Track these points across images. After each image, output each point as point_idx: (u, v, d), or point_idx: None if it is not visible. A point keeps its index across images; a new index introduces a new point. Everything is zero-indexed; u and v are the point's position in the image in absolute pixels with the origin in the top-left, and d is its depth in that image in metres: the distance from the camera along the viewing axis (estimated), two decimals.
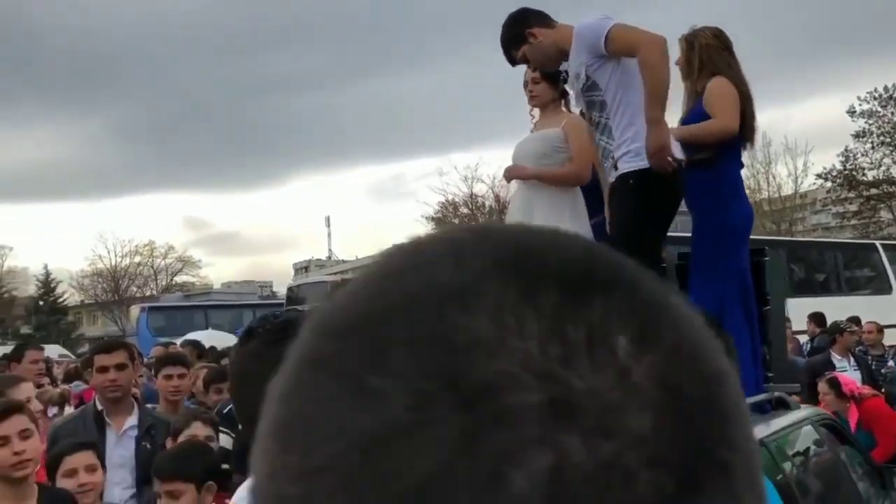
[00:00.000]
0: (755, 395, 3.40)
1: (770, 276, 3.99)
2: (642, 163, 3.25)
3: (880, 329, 8.23)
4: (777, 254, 4.26)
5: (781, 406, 3.62)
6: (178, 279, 45.79)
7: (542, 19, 3.50)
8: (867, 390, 5.76)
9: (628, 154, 3.30)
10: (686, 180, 3.43)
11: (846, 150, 33.31)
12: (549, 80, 3.88)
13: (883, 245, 17.09)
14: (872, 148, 33.21)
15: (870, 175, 33.67)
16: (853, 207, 35.56)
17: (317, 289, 18.75)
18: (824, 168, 33.33)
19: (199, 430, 3.20)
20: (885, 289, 15.83)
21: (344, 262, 53.70)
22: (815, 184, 35.05)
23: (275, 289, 48.42)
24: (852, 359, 7.08)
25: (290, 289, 20.45)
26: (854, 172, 33.47)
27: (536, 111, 4.03)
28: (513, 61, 3.57)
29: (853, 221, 34.98)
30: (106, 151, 65.61)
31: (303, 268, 56.73)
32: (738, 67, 3.84)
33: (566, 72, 3.87)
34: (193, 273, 46.80)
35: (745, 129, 3.78)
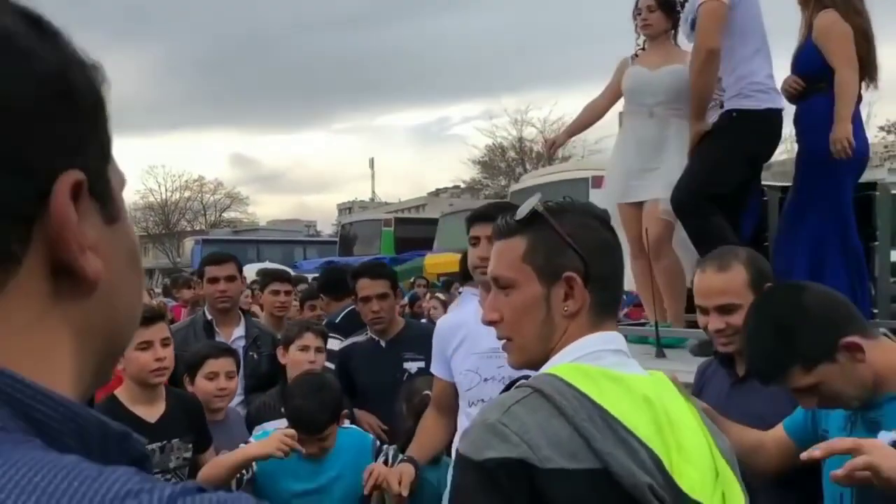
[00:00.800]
0: None
1: (879, 212, 3.89)
2: (750, 103, 3.32)
3: None
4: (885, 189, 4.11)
5: None
6: (226, 215, 46.42)
7: None
8: None
9: (738, 96, 3.39)
10: (801, 110, 3.47)
11: None
12: (665, 9, 3.78)
13: None
14: None
15: None
16: None
17: (369, 227, 18.83)
18: (888, 120, 32.23)
19: (310, 340, 3.26)
20: None
21: (387, 204, 53.80)
22: (876, 137, 33.94)
23: (318, 228, 48.89)
24: None
25: (343, 226, 20.59)
26: None
27: (642, 39, 3.91)
28: None
29: None
30: (159, 86, 66.22)
31: (347, 209, 57.10)
32: (856, 2, 3.64)
33: (682, 3, 3.78)
34: (241, 210, 47.38)
35: (866, 67, 3.62)
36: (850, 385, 1.78)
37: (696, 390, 2.30)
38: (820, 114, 3.44)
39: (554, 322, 1.31)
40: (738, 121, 3.37)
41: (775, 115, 3.40)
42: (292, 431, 2.49)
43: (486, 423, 1.18)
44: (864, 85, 3.69)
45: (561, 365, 1.26)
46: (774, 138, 3.48)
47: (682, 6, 3.79)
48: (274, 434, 2.48)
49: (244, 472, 2.51)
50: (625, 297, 8.58)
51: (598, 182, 12.55)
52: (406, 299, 8.14)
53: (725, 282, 2.15)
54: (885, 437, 1.67)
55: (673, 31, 3.88)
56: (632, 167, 3.87)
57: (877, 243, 3.87)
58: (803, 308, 1.80)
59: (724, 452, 1.30)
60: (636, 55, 3.96)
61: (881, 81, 3.69)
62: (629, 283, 3.57)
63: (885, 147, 34.61)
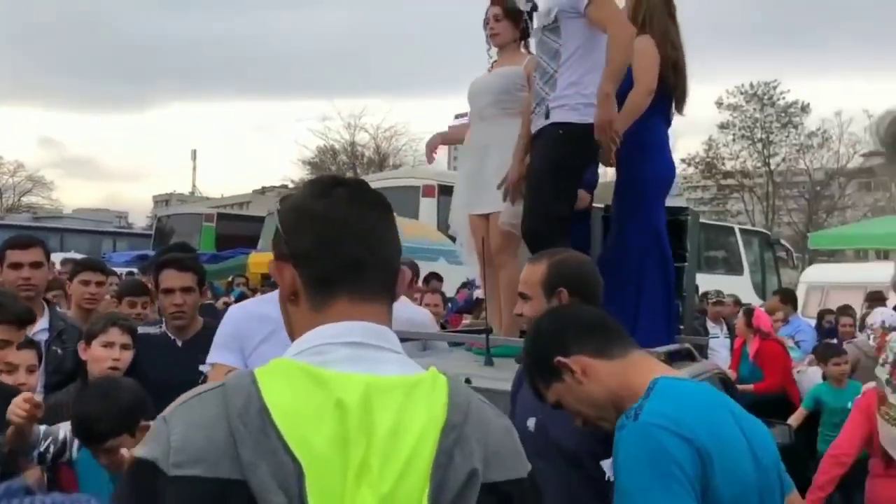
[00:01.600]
0: (668, 346, 3.58)
1: (689, 234, 4.19)
2: (576, 117, 3.31)
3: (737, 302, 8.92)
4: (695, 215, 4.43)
5: (689, 357, 3.85)
6: (26, 200, 42.72)
7: None
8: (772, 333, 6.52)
9: (565, 107, 3.36)
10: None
11: (710, 138, 35.30)
12: (511, 19, 3.84)
13: (740, 229, 18.35)
14: (733, 140, 35.45)
15: (728, 165, 35.93)
16: (708, 195, 37.82)
17: (188, 221, 18.02)
18: (689, 154, 35.18)
19: (115, 336, 2.96)
20: (737, 270, 17.02)
21: (208, 198, 51.74)
22: (678, 167, 36.99)
23: (131, 219, 46.09)
24: (725, 327, 7.62)
25: (159, 219, 19.51)
26: (715, 161, 35.57)
27: (494, 51, 3.96)
28: None
29: (706, 208, 37.17)
30: None
31: (163, 201, 54.28)
32: (676, 35, 3.90)
33: (529, 13, 3.87)
34: (44, 195, 43.77)
35: (677, 97, 3.89)
36: (583, 404, 1.84)
37: (514, 391, 2.44)
38: (635, 142, 3.58)
39: (287, 310, 1.23)
40: (565, 137, 3.36)
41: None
42: (29, 395, 2.31)
43: (159, 416, 1.11)
44: (673, 112, 3.97)
45: (278, 359, 1.14)
46: (595, 154, 3.49)
47: (530, 15, 3.87)
48: (15, 398, 2.29)
49: (47, 446, 2.36)
50: (449, 304, 8.70)
51: (428, 191, 12.74)
52: (233, 298, 7.84)
53: (528, 273, 2.43)
54: (605, 465, 1.76)
55: (522, 41, 3.95)
56: (470, 176, 3.93)
57: (686, 265, 4.16)
58: (536, 329, 1.96)
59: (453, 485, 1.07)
60: (491, 67, 4.01)
61: (685, 115, 3.98)
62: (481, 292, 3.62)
63: (685, 178, 37.73)
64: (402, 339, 1.28)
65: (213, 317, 3.78)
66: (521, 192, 3.64)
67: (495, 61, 3.96)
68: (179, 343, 3.33)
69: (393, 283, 1.25)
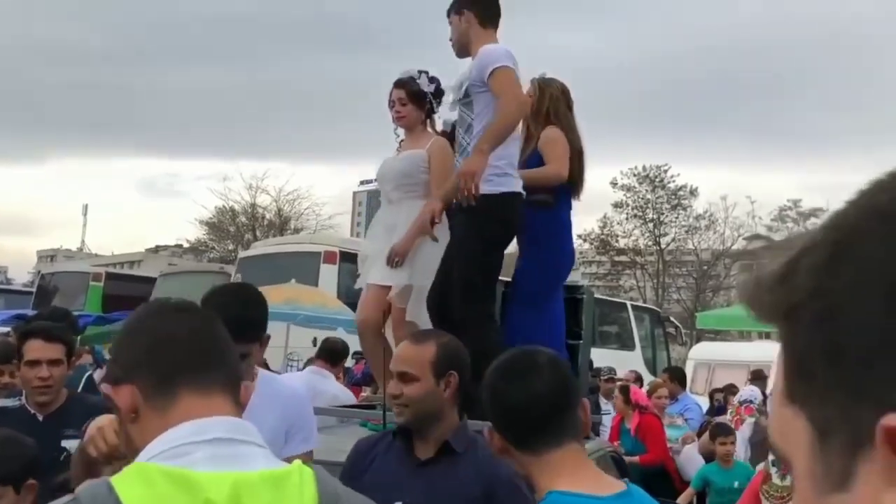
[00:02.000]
0: None
1: (585, 312, 4.28)
2: (487, 188, 3.36)
3: (638, 378, 9.17)
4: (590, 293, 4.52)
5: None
6: None
7: (485, 12, 3.56)
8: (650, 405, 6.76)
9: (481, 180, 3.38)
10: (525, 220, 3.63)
11: (605, 216, 36.68)
12: (415, 102, 3.91)
13: (632, 305, 18.95)
14: (627, 219, 36.96)
15: (621, 242, 37.34)
16: (602, 270, 39.10)
17: (74, 279, 17.15)
18: (584, 230, 36.40)
19: None
20: (629, 345, 17.50)
21: (97, 255, 49.72)
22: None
23: (10, 275, 43.62)
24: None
25: (42, 276, 18.52)
26: (609, 238, 36.90)
27: (402, 130, 4.02)
28: (448, 15, 3.63)
29: (600, 283, 38.33)
30: None
31: (49, 256, 51.88)
32: (575, 126, 4.10)
33: (432, 94, 3.95)
34: None
35: (576, 184, 4.07)
36: None
37: (362, 467, 2.31)
38: (541, 228, 3.69)
39: (130, 432, 1.19)
40: (477, 206, 3.36)
41: (515, 198, 3.46)
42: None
43: None
44: (574, 198, 4.12)
45: (135, 464, 1.11)
46: (514, 222, 3.52)
47: (435, 94, 3.94)
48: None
49: None
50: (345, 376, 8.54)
51: (329, 257, 12.62)
52: None
53: (413, 353, 2.28)
54: None
55: (428, 119, 4.01)
56: (376, 250, 3.95)
57: (580, 342, 4.23)
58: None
59: None
60: (399, 147, 4.06)
61: (583, 197, 4.16)
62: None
63: (580, 254, 38.98)
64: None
65: (94, 387, 3.56)
66: (399, 264, 3.70)
67: (402, 141, 4.02)
68: (40, 417, 3.07)
69: (235, 373, 1.23)
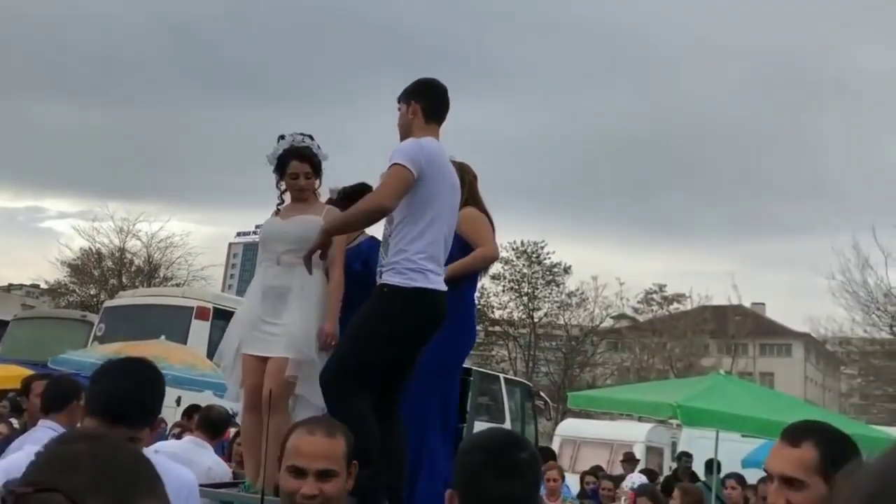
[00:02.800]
0: None
1: (472, 395, 4.28)
2: (400, 280, 3.34)
3: None
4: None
5: None
6: None
7: (431, 106, 3.58)
8: None
9: (392, 271, 3.40)
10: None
11: (483, 287, 37.28)
12: (317, 174, 3.97)
13: (504, 378, 19.15)
14: (503, 290, 37.74)
15: (497, 313, 38.01)
16: (478, 340, 39.53)
17: None
18: None
19: None
20: (499, 418, 17.62)
21: None
22: None
23: None
24: None
25: None
26: (485, 308, 37.48)
27: (287, 195, 4.00)
28: (398, 101, 3.66)
29: (474, 352, 38.74)
30: None
31: None
32: (484, 204, 4.22)
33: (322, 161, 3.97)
34: None
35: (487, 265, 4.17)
36: None
37: None
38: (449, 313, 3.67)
39: None
40: (387, 297, 3.36)
41: (425, 295, 3.38)
42: None
43: None
44: (481, 277, 4.19)
45: None
46: (424, 318, 3.43)
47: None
48: None
49: None
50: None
51: (202, 313, 12.15)
52: None
53: (330, 448, 2.17)
54: None
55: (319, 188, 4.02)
56: (257, 316, 3.82)
57: (465, 425, 4.21)
58: None
59: None
60: (278, 210, 4.01)
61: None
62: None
63: None
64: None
65: None
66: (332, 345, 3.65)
67: (285, 205, 4.00)
68: None
69: None
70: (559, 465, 7.91)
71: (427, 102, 3.57)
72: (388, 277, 3.38)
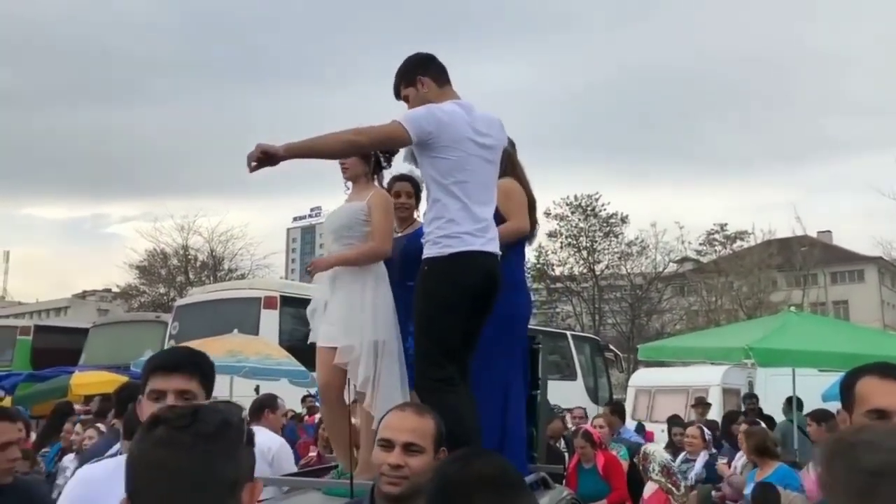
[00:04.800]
0: (526, 476, 3.60)
1: (542, 362, 4.31)
2: (435, 250, 3.32)
3: (584, 415, 9.28)
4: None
5: (545, 485, 3.90)
6: None
7: (437, 73, 3.52)
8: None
9: (428, 243, 3.37)
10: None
11: (540, 246, 37.15)
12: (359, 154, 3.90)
13: (572, 335, 19.15)
14: (561, 247, 37.52)
15: (557, 271, 37.89)
16: (540, 298, 39.51)
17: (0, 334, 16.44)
18: None
19: None
20: (571, 375, 17.65)
21: (21, 303, 48.02)
22: None
23: None
24: (563, 442, 7.80)
25: None
26: (545, 267, 37.39)
27: (351, 183, 4.02)
28: (398, 95, 3.57)
29: (537, 311, 38.72)
30: None
31: None
32: (524, 174, 4.18)
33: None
34: None
35: (531, 233, 4.15)
36: None
37: None
38: (509, 277, 3.68)
39: None
40: (429, 273, 3.33)
41: (467, 258, 3.32)
42: None
43: None
44: (528, 246, 4.19)
45: None
46: (472, 281, 3.35)
47: (378, 155, 3.94)
48: None
49: None
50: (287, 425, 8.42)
51: (270, 302, 12.41)
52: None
53: (419, 424, 2.28)
54: None
55: (374, 174, 4.00)
56: (320, 304, 3.88)
57: (538, 392, 4.26)
58: (444, 478, 1.77)
59: None
60: (347, 198, 4.05)
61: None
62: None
63: None
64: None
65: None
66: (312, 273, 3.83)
67: (350, 193, 4.02)
68: None
69: None
70: (614, 419, 8.04)
71: (430, 70, 3.50)
72: (426, 252, 3.35)
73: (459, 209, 3.34)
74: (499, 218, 3.91)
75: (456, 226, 3.32)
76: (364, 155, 3.91)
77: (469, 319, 3.38)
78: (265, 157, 3.06)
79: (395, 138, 3.30)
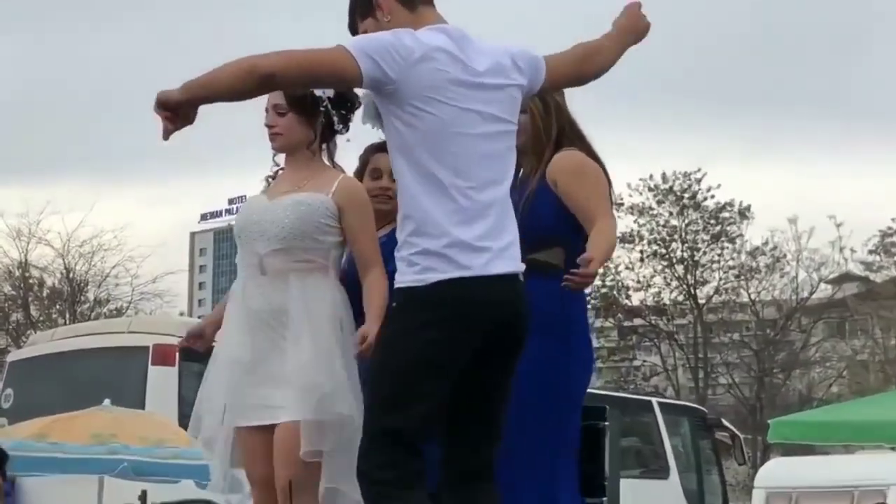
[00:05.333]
0: None
1: (609, 451, 4.32)
2: (414, 277, 3.29)
3: None
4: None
5: None
6: None
7: None
8: None
9: (400, 261, 3.36)
10: None
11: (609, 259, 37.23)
12: (301, 110, 3.99)
13: (661, 404, 19.10)
14: (641, 260, 37.58)
15: (635, 298, 37.94)
16: (608, 344, 39.58)
17: None
18: None
19: None
20: (660, 470, 17.67)
21: None
22: None
23: None
24: None
25: None
26: (616, 292, 37.41)
27: (281, 157, 4.09)
28: (355, 32, 3.59)
29: (603, 365, 38.71)
30: None
31: None
32: (583, 133, 4.20)
33: (331, 101, 3.99)
34: None
35: None
36: None
37: None
38: (546, 312, 3.71)
39: None
40: (402, 309, 3.37)
41: (458, 288, 3.30)
42: None
43: None
44: None
45: None
46: (469, 323, 3.33)
47: (338, 103, 3.98)
48: None
49: None
50: None
51: (163, 354, 12.34)
52: None
53: None
54: None
55: (323, 144, 4.09)
56: (244, 359, 3.89)
57: (604, 501, 4.26)
58: None
59: None
60: (269, 179, 4.13)
61: None
62: None
63: None
64: None
65: None
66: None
67: (277, 173, 4.10)
68: None
69: None
70: None
71: None
72: (397, 278, 3.36)
73: (443, 203, 3.33)
74: (560, 212, 3.93)
75: (439, 234, 3.31)
76: (308, 111, 3.98)
77: (471, 386, 3.37)
78: (169, 110, 3.14)
79: (336, 72, 3.32)
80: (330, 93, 4.01)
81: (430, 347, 3.31)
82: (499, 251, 3.36)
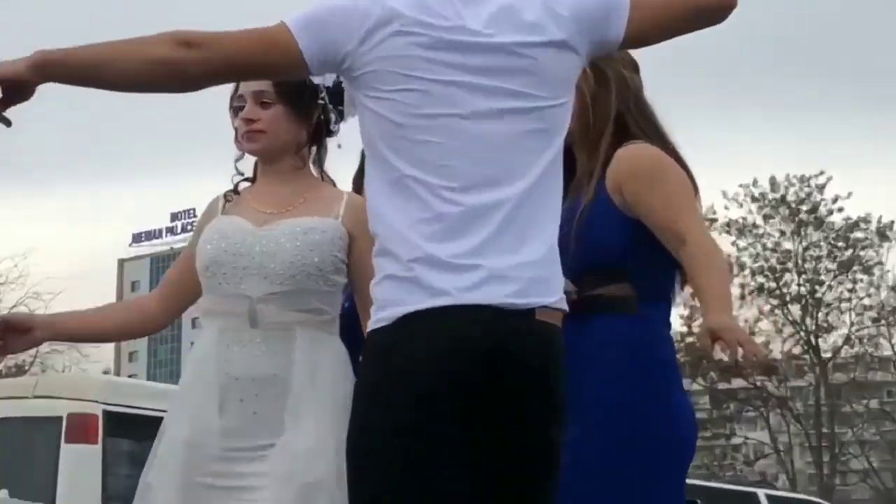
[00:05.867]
0: None
1: None
2: (376, 314, 3.31)
3: None
4: None
5: None
6: None
7: None
8: None
9: (374, 306, 3.38)
10: (576, 350, 3.54)
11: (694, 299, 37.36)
12: (293, 102, 4.04)
13: (770, 497, 19.16)
14: (743, 298, 37.62)
15: None
16: (699, 413, 39.62)
17: None
18: None
19: None
20: None
21: None
22: None
23: None
24: None
25: None
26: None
27: (249, 163, 4.18)
28: None
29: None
30: None
31: None
32: (658, 122, 4.24)
33: (328, 88, 4.04)
34: None
35: None
36: None
37: None
38: (613, 360, 3.82)
39: None
40: (361, 370, 3.44)
41: (431, 324, 3.24)
42: None
43: None
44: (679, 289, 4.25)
45: None
46: (451, 374, 3.22)
47: (335, 95, 4.02)
48: None
49: None
50: None
51: (80, 428, 12.46)
52: None
53: None
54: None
55: (314, 147, 4.18)
56: (212, 441, 3.90)
57: None
58: None
59: None
60: (235, 192, 4.17)
61: None
62: None
63: None
64: None
65: None
66: None
67: (246, 181, 4.20)
68: None
69: None
70: None
71: None
72: (371, 322, 3.34)
73: (409, 209, 3.32)
74: (630, 226, 3.97)
75: (406, 251, 3.28)
76: (303, 105, 4.06)
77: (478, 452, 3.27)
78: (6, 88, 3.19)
79: (270, 60, 3.35)
80: (329, 81, 4.02)
81: (400, 423, 3.22)
82: (498, 272, 3.24)
